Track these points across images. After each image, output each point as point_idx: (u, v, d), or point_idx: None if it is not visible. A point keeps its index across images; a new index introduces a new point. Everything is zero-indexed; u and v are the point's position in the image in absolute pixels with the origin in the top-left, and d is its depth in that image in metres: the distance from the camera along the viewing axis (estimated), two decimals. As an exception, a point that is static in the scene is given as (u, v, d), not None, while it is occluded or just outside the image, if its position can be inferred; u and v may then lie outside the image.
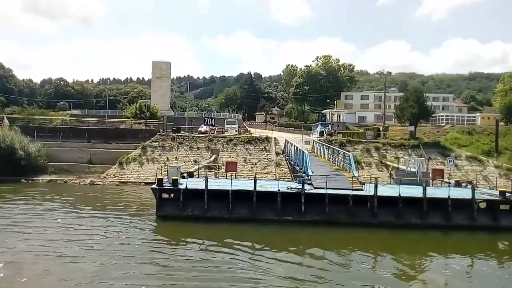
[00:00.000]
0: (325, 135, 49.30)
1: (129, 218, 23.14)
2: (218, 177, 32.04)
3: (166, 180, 24.09)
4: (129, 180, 37.15)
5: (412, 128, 47.35)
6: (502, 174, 40.68)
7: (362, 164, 40.54)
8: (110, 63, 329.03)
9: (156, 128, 48.34)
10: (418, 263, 17.59)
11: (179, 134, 43.94)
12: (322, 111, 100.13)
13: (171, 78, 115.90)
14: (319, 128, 58.02)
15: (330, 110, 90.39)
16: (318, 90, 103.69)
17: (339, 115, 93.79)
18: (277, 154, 41.53)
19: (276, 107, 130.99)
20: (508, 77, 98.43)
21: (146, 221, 22.49)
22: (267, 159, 41.16)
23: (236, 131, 54.46)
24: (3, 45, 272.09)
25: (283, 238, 20.89)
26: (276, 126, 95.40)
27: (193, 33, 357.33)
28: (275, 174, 35.06)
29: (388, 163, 39.38)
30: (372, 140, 44.38)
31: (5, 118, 46.78)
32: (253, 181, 23.27)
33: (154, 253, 17.08)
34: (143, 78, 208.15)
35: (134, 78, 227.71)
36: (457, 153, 42.94)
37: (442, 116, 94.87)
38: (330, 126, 59.78)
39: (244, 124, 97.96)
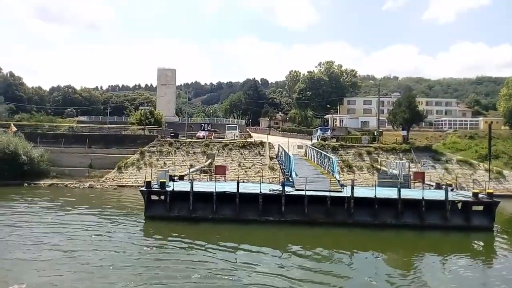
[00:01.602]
0: (319, 139, 50.36)
1: (120, 218, 24.64)
2: (212, 180, 33.30)
3: (155, 183, 25.47)
4: (126, 184, 38.66)
5: (404, 132, 48.16)
6: (492, 178, 41.28)
7: (354, 168, 41.52)
8: (119, 70, 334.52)
9: (159, 134, 49.93)
10: (392, 261, 18.44)
11: (176, 140, 45.45)
12: (325, 116, 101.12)
13: (178, 84, 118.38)
14: (318, 133, 59.13)
15: (331, 115, 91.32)
16: (321, 96, 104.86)
17: (342, 120, 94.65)
18: (271, 158, 42.71)
19: (280, 112, 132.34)
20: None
21: (135, 221, 23.91)
22: (261, 163, 42.36)
23: (237, 136, 55.87)
24: (13, 51, 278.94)
25: (263, 237, 22.05)
26: (279, 131, 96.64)
27: (201, 40, 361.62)
28: (262, 178, 36.23)
29: (379, 166, 40.26)
30: (365, 145, 45.33)
31: (11, 125, 48.80)
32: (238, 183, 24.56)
33: (136, 248, 18.45)
34: (151, 84, 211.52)
35: (143, 85, 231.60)
36: (448, 157, 43.66)
37: (445, 120, 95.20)
38: (329, 131, 60.82)
39: (248, 129, 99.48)
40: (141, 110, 68.88)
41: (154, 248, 18.88)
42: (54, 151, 42.69)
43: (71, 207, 28.19)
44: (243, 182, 31.19)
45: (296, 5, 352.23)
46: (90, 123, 79.51)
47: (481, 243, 22.26)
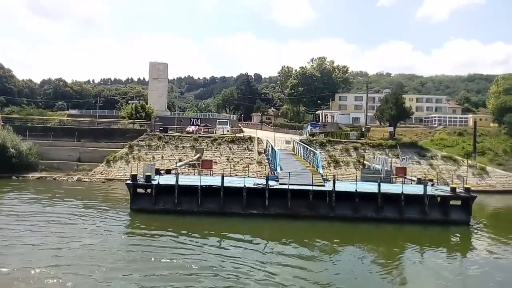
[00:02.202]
0: (307, 135, 50.90)
1: (106, 210, 24.98)
2: (201, 175, 33.69)
3: (141, 176, 25.79)
4: (115, 178, 38.87)
5: (391, 128, 48.86)
6: (476, 173, 42.16)
7: (341, 163, 42.13)
8: (111, 64, 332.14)
9: (149, 128, 50.08)
10: (372, 253, 18.86)
11: (165, 134, 45.68)
12: (316, 112, 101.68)
13: (171, 78, 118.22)
14: (308, 129, 59.68)
15: (322, 111, 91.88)
16: (313, 91, 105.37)
17: (333, 116, 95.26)
18: (259, 153, 43.14)
19: (272, 107, 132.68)
20: (501, 79, 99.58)
21: (120, 213, 24.26)
22: (250, 158, 42.79)
23: (227, 131, 56.16)
24: (6, 45, 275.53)
25: (247, 229, 22.44)
26: (271, 126, 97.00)
27: (195, 34, 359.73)
28: (248, 172, 36.66)
29: (365, 162, 40.90)
30: (352, 140, 45.92)
31: (0, 117, 48.66)
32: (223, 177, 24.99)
33: (120, 239, 18.82)
34: (143, 78, 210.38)
35: (135, 79, 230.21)
36: (433, 153, 44.41)
37: (435, 117, 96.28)
38: (319, 127, 61.35)
39: (239, 124, 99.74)
40: (132, 104, 69.01)
41: (137, 239, 19.25)
42: (43, 144, 42.72)
43: (58, 199, 28.45)
44: (230, 176, 31.75)
45: (292, 2, 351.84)
46: (80, 117, 79.31)
47: (458, 236, 22.97)
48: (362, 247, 19.70)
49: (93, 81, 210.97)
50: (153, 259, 16.15)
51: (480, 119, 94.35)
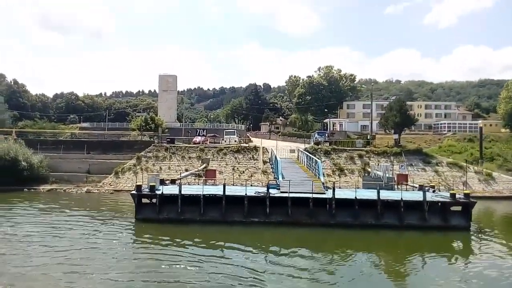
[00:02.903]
0: (312, 143, 51.26)
1: (112, 219, 25.83)
2: (204, 184, 34.33)
3: (146, 186, 26.54)
4: (123, 189, 39.73)
5: (396, 136, 48.99)
6: (482, 180, 41.93)
7: (345, 171, 42.35)
8: (122, 76, 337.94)
9: (157, 139, 51.10)
10: (373, 260, 19.05)
11: (172, 145, 46.57)
12: (324, 120, 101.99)
13: (181, 90, 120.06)
14: (316, 137, 60.06)
15: (329, 119, 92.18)
16: (320, 100, 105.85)
17: (341, 124, 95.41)
18: (264, 162, 43.64)
19: (281, 117, 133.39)
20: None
21: (126, 223, 25.00)
22: (255, 167, 43.32)
23: (235, 141, 56.85)
24: (20, 61, 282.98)
25: (249, 237, 22.88)
26: (279, 135, 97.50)
27: (204, 46, 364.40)
28: (251, 181, 37.15)
29: (369, 170, 41.06)
30: (357, 148, 46.12)
31: (13, 132, 50.26)
32: (230, 186, 25.59)
33: (127, 249, 19.51)
34: (154, 90, 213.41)
35: (146, 91, 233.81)
36: (439, 160, 44.31)
37: (444, 123, 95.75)
38: (326, 135, 61.68)
39: (248, 134, 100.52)
40: (142, 116, 70.56)
41: (141, 247, 19.89)
42: (54, 157, 43.96)
43: (67, 209, 29.45)
44: (235, 185, 32.32)
45: (297, 11, 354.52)
46: (92, 130, 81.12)
47: (460, 242, 23.02)
48: (362, 254, 19.87)
49: (105, 94, 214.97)
50: (154, 266, 16.65)
51: (491, 125, 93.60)
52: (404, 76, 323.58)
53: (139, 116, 65.22)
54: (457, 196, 24.44)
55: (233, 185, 31.62)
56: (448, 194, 25.50)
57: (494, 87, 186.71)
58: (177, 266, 16.80)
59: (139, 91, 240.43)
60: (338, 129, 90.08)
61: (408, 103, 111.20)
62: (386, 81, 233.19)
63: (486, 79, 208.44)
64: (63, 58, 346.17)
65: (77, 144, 47.52)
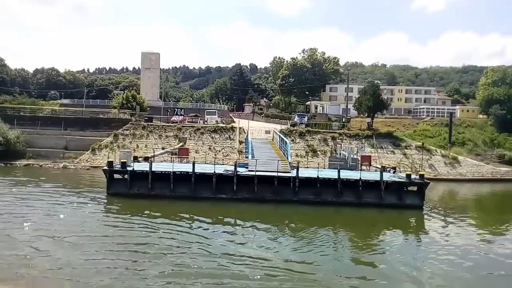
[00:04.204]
0: (289, 125, 52.42)
1: (85, 193, 26.90)
2: (181, 162, 35.27)
3: (118, 163, 27.39)
4: (100, 165, 40.17)
5: (369, 119, 50.52)
6: (447, 163, 43.94)
7: (318, 152, 43.79)
8: (106, 53, 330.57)
9: (137, 117, 51.38)
10: (332, 234, 20.29)
11: (150, 124, 47.16)
12: (306, 103, 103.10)
13: (166, 68, 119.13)
14: (296, 119, 61.17)
15: (310, 102, 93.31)
16: (304, 82, 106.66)
17: (323, 107, 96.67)
18: (240, 142, 44.70)
19: (265, 98, 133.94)
20: (491, 71, 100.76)
21: (97, 196, 26.09)
22: (231, 147, 44.40)
23: (216, 121, 57.49)
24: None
25: (216, 212, 24.05)
26: (263, 117, 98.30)
27: (190, 23, 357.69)
28: (215, 160, 38.21)
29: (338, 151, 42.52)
30: (331, 131, 47.54)
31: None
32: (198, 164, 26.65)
33: (93, 218, 20.60)
34: (138, 68, 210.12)
35: (130, 68, 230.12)
36: (408, 143, 46.09)
37: (423, 108, 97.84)
38: (306, 117, 62.85)
39: (231, 115, 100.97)
40: (123, 94, 70.14)
41: (111, 220, 20.94)
42: (31, 133, 44.18)
43: (42, 182, 30.30)
44: (206, 164, 33.35)
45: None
46: (73, 106, 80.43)
47: (413, 220, 24.77)
48: (322, 229, 21.04)
49: (88, 70, 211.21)
50: (123, 237, 17.65)
51: (468, 110, 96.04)
52: (390, 60, 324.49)
53: (119, 94, 64.88)
54: (412, 177, 26.02)
55: (206, 163, 32.60)
56: (404, 175, 27.06)
57: (477, 73, 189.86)
58: (146, 237, 17.84)
59: (123, 68, 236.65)
60: (320, 112, 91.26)
61: (389, 87, 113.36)
62: (372, 64, 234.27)
63: (470, 65, 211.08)
64: (45, 32, 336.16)
65: (55, 121, 47.64)
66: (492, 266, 16.44)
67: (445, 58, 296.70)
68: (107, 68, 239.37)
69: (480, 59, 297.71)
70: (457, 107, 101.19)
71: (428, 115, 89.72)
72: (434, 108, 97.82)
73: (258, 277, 13.65)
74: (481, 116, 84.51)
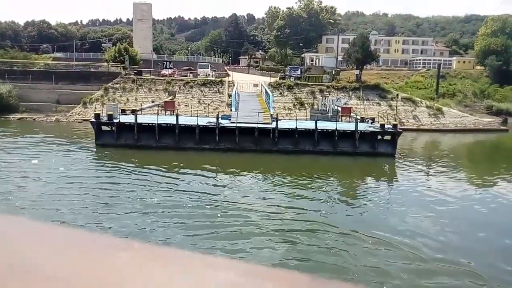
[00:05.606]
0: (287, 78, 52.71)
1: (75, 144, 28.51)
2: (170, 115, 36.28)
3: (105, 115, 28.51)
4: (91, 118, 41.51)
5: (357, 71, 50.83)
6: (431, 114, 44.97)
7: (305, 105, 44.63)
8: (99, 3, 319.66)
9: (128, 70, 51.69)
10: (307, 182, 21.54)
11: (139, 77, 47.61)
12: (302, 55, 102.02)
13: (161, 19, 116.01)
14: (289, 72, 61.21)
15: (306, 54, 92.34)
16: (300, 33, 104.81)
17: (318, 59, 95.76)
18: (229, 96, 45.35)
19: (260, 51, 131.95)
20: (491, 21, 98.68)
21: (86, 145, 27.72)
22: (220, 100, 45.21)
23: (209, 74, 57.54)
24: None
25: (199, 162, 25.48)
26: (258, 70, 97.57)
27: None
28: (196, 112, 39.24)
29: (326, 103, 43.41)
30: (319, 83, 48.10)
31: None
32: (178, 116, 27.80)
33: (80, 165, 22.15)
34: (132, 19, 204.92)
35: (124, 19, 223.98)
36: (394, 95, 46.80)
37: (420, 60, 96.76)
38: (299, 70, 62.89)
39: (227, 68, 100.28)
40: (116, 47, 69.56)
41: (100, 168, 22.50)
42: (23, 87, 44.82)
43: (34, 134, 31.94)
44: (192, 116, 34.46)
45: None
46: (66, 60, 79.93)
47: (385, 166, 26.37)
48: (300, 176, 22.34)
49: (81, 22, 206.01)
50: (112, 185, 18.91)
51: (464, 62, 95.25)
52: (393, 8, 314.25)
53: (109, 47, 64.40)
54: (386, 126, 27.23)
55: (192, 116, 33.64)
56: (378, 125, 28.28)
57: (479, 23, 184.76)
58: (133, 184, 19.18)
59: (116, 19, 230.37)
60: (316, 64, 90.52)
61: (386, 38, 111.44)
62: (373, 14, 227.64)
63: (472, 14, 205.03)
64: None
65: (46, 75, 48.02)
66: (446, 202, 18.04)
67: (451, 7, 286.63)
68: (100, 20, 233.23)
69: (489, 9, 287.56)
70: (454, 58, 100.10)
71: (424, 67, 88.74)
72: (430, 60, 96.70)
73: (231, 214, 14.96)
74: (478, 67, 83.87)
